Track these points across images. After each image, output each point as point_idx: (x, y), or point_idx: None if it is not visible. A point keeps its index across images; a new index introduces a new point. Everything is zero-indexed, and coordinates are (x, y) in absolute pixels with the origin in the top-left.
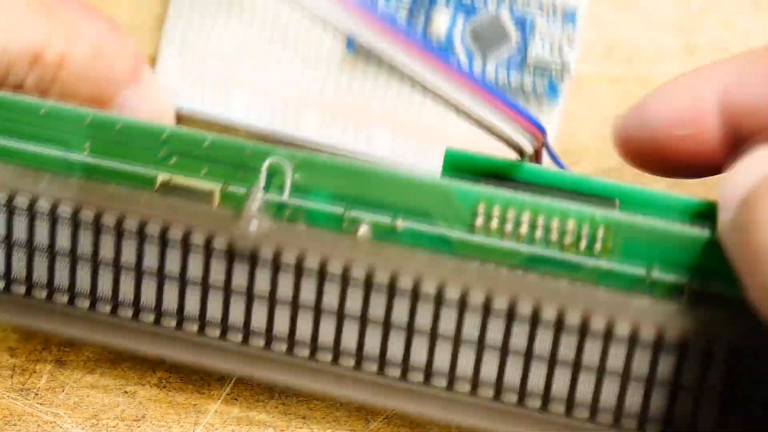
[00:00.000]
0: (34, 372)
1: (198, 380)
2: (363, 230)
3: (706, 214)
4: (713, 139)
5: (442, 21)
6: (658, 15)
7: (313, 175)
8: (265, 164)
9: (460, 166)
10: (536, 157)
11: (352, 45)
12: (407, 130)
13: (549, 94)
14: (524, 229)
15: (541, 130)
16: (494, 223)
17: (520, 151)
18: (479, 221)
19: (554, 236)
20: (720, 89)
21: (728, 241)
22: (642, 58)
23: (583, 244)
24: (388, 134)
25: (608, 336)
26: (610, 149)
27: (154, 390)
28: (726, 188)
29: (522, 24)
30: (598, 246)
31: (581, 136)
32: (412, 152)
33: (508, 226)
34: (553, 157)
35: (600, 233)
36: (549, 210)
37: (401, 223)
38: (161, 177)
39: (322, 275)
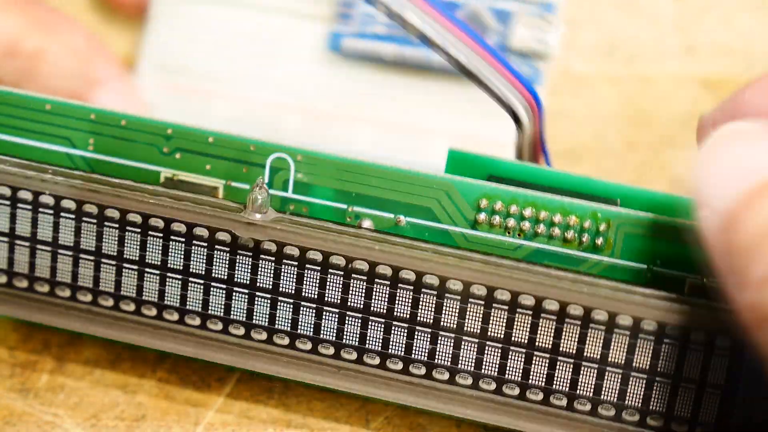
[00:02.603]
0: (34, 372)
1: (198, 380)
2: (366, 225)
3: None
4: None
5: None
6: (658, 15)
7: (317, 171)
8: (270, 160)
9: (462, 166)
10: (538, 138)
11: (335, 45)
12: (389, 128)
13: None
14: (527, 225)
15: (536, 100)
16: (497, 219)
17: (515, 117)
18: (482, 216)
19: (556, 231)
20: None
21: (715, 248)
22: (642, 58)
23: (586, 239)
24: (370, 133)
25: (611, 328)
26: (610, 149)
27: (154, 390)
28: (708, 181)
29: (501, 15)
30: (599, 241)
31: (582, 136)
32: (394, 150)
33: (511, 222)
34: (542, 144)
35: (602, 228)
36: (551, 205)
37: (404, 219)
38: (165, 173)
39: (325, 267)
